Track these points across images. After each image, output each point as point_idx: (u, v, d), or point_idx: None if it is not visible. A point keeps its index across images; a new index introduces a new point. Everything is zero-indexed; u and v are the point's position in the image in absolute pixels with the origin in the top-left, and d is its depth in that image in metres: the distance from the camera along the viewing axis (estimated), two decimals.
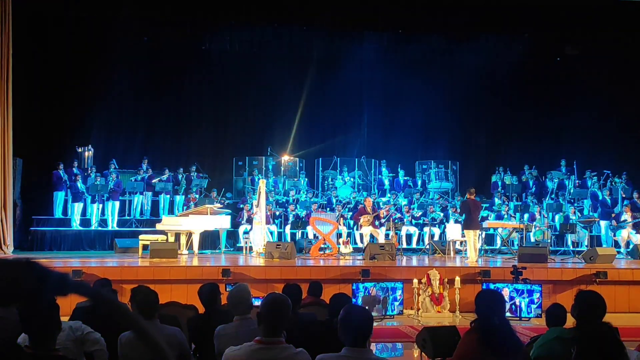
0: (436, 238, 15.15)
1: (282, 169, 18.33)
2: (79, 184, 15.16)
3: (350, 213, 15.71)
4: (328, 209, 15.90)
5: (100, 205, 15.36)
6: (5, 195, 12.82)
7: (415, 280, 9.70)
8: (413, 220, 15.68)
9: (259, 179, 15.72)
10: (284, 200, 16.41)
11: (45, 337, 3.07)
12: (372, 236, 14.15)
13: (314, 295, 6.65)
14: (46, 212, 15.33)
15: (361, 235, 14.59)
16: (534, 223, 15.25)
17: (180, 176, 16.70)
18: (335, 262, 12.01)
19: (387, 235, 14.32)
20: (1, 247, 12.59)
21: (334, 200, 16.36)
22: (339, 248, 13.44)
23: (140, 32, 17.71)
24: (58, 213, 15.35)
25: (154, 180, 16.20)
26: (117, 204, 15.58)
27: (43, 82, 16.25)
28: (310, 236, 14.82)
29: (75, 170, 15.51)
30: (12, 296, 1.01)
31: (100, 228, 15.16)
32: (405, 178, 17.68)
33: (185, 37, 18.02)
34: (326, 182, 18.14)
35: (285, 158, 18.54)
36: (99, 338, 3.82)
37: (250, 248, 13.81)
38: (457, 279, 9.71)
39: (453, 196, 17.10)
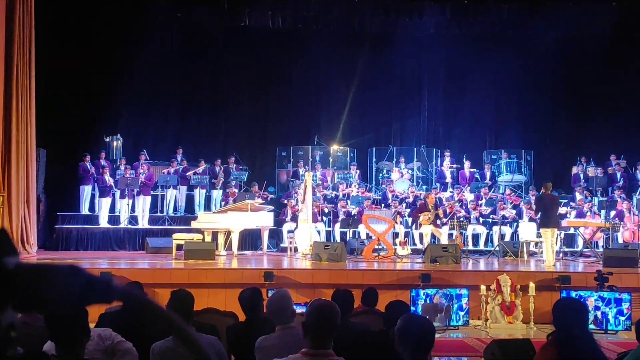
0: (507, 238, 15.06)
1: (331, 160, 18.39)
2: (107, 177, 15.45)
3: (409, 210, 15.72)
4: (383, 205, 15.90)
5: (130, 201, 15.61)
6: (28, 189, 13.11)
7: (483, 287, 9.64)
8: (480, 218, 15.60)
9: (304, 172, 15.90)
10: (333, 196, 16.50)
11: (73, 345, 3.12)
12: (433, 236, 14.15)
13: (367, 303, 6.66)
14: (72, 208, 15.73)
15: (421, 235, 14.60)
16: (622, 222, 14.93)
17: (217, 168, 16.87)
18: (391, 265, 12.01)
19: (450, 235, 14.28)
20: (24, 246, 12.83)
21: (389, 196, 16.34)
22: (395, 249, 13.45)
23: (173, 9, 17.98)
24: (84, 209, 15.72)
25: (188, 173, 16.38)
26: (149, 199, 15.79)
27: (68, 67, 16.61)
28: (363, 236, 14.86)
29: (102, 162, 15.85)
30: (55, 304, 1.04)
31: (130, 226, 15.42)
32: (472, 170, 17.50)
33: (222, 12, 18.18)
34: (381, 174, 18.17)
35: (335, 148, 18.59)
36: (131, 348, 3.84)
37: (295, 249, 13.93)
38: (532, 285, 9.61)
39: (527, 191, 16.91)
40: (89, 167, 15.64)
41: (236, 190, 16.10)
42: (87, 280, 1.05)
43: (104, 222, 15.41)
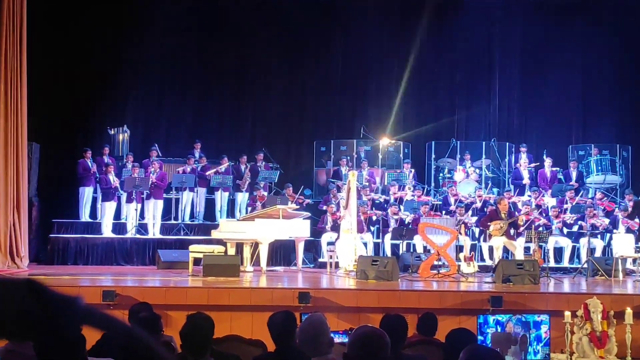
0: (598, 253, 14.90)
1: (380, 157, 18.40)
2: (111, 177, 15.54)
3: (476, 218, 15.67)
4: (444, 211, 15.92)
5: (139, 206, 15.70)
6: (19, 191, 13.21)
7: (568, 313, 9.48)
8: (564, 228, 15.46)
9: (348, 171, 15.82)
10: (383, 200, 16.48)
11: None
12: (506, 250, 14.10)
13: (424, 331, 6.66)
14: (70, 214, 15.94)
15: (490, 249, 14.58)
16: None
17: (243, 167, 16.97)
18: (453, 285, 12.04)
19: (527, 249, 14.25)
20: (14, 259, 12.89)
21: (451, 200, 16.31)
22: (459, 266, 13.40)
23: None
24: (85, 215, 15.93)
25: (208, 173, 16.49)
26: (161, 203, 15.94)
27: (66, 50, 16.89)
28: (419, 249, 14.90)
29: (106, 159, 15.94)
30: (7, 327, 1.02)
31: (138, 235, 15.57)
32: (554, 169, 17.41)
33: None
34: (441, 174, 18.12)
35: (385, 142, 18.59)
36: None
37: (337, 264, 14.00)
38: (629, 311, 9.44)
39: (623, 195, 16.78)
40: (90, 165, 15.80)
41: (265, 193, 16.18)
42: (49, 300, 1.02)
43: (107, 231, 15.56)
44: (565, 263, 15.30)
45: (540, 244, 14.19)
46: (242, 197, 16.79)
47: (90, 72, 17.13)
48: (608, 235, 15.26)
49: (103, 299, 9.51)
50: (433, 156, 18.57)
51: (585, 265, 14.06)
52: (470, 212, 15.90)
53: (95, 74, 17.13)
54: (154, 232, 15.79)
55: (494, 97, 19.59)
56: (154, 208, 15.85)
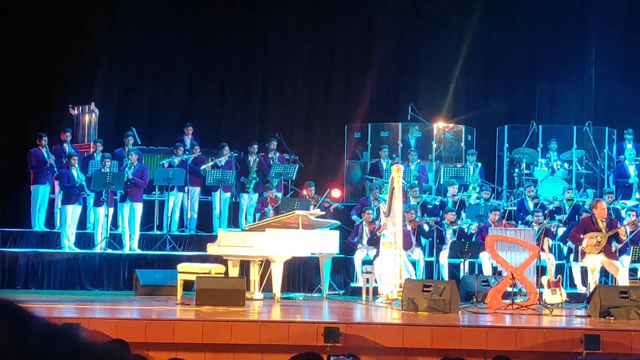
0: None
1: (435, 146, 18.34)
2: (75, 172, 15.55)
3: (564, 229, 15.58)
4: (520, 221, 15.85)
5: (111, 210, 15.77)
6: None
7: None
8: None
9: (391, 165, 15.89)
10: (438, 204, 16.49)
11: None
12: (605, 272, 14.00)
13: None
14: (19, 222, 16.03)
15: (584, 271, 14.50)
16: None
17: (250, 159, 17.02)
18: (534, 319, 11.96)
19: (634, 272, 14.24)
20: None
21: (530, 204, 16.29)
22: (540, 294, 13.29)
23: None
24: (39, 223, 15.95)
25: (203, 167, 16.57)
26: (140, 207, 15.97)
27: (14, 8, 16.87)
28: (487, 271, 14.87)
29: (67, 147, 15.98)
30: None
31: (110, 250, 15.57)
32: None
33: None
34: (517, 169, 18.02)
35: (440, 126, 18.67)
36: None
37: (375, 291, 13.97)
38: None
39: None
40: (45, 155, 15.81)
41: (280, 195, 16.29)
42: (21, 321, 1.04)
43: (69, 244, 15.50)
44: None
45: None
46: (248, 200, 16.85)
47: (47, 34, 17.18)
48: None
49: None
50: (506, 145, 18.51)
51: None
52: (556, 222, 15.75)
53: (53, 37, 17.20)
54: (131, 245, 15.79)
55: (588, 66, 19.45)
56: (131, 213, 15.85)
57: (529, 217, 15.88)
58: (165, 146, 17.21)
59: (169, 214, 16.52)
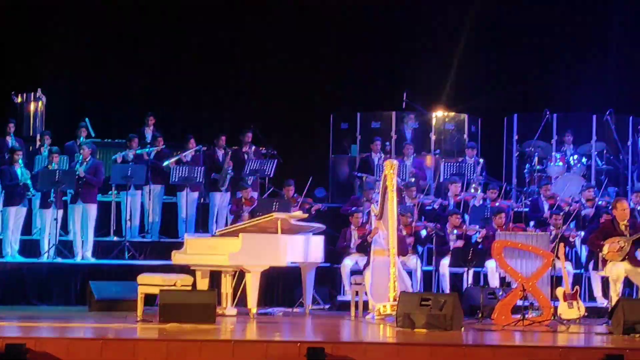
0: None
1: (434, 138, 18.52)
2: (19, 170, 15.51)
3: (582, 233, 15.51)
4: (532, 222, 16.06)
5: (60, 212, 15.68)
6: None
7: None
8: None
9: (384, 160, 15.72)
10: (438, 206, 16.65)
11: None
12: (629, 282, 14.02)
13: None
14: None
15: (605, 281, 14.37)
16: None
17: (221, 153, 17.07)
18: (548, 337, 12.15)
19: None
20: None
21: (544, 205, 16.29)
22: (556, 308, 13.26)
23: None
24: None
25: (167, 162, 16.60)
26: (94, 210, 15.96)
27: None
28: (493, 282, 15.03)
29: (10, 140, 16.20)
30: None
31: (59, 259, 15.52)
32: None
33: None
34: (527, 165, 18.17)
35: (439, 115, 18.81)
36: None
37: (366, 304, 14.02)
38: None
39: None
40: None
41: (255, 195, 16.42)
42: None
43: (12, 252, 15.57)
44: None
45: None
46: (219, 200, 16.90)
47: None
48: None
49: (6, 357, 9.38)
50: (515, 137, 18.68)
51: None
52: (573, 225, 15.69)
53: None
54: (84, 254, 15.77)
55: (610, 47, 19.44)
56: (84, 216, 15.78)
57: (542, 220, 15.92)
58: (123, 139, 17.11)
59: (128, 217, 16.58)
